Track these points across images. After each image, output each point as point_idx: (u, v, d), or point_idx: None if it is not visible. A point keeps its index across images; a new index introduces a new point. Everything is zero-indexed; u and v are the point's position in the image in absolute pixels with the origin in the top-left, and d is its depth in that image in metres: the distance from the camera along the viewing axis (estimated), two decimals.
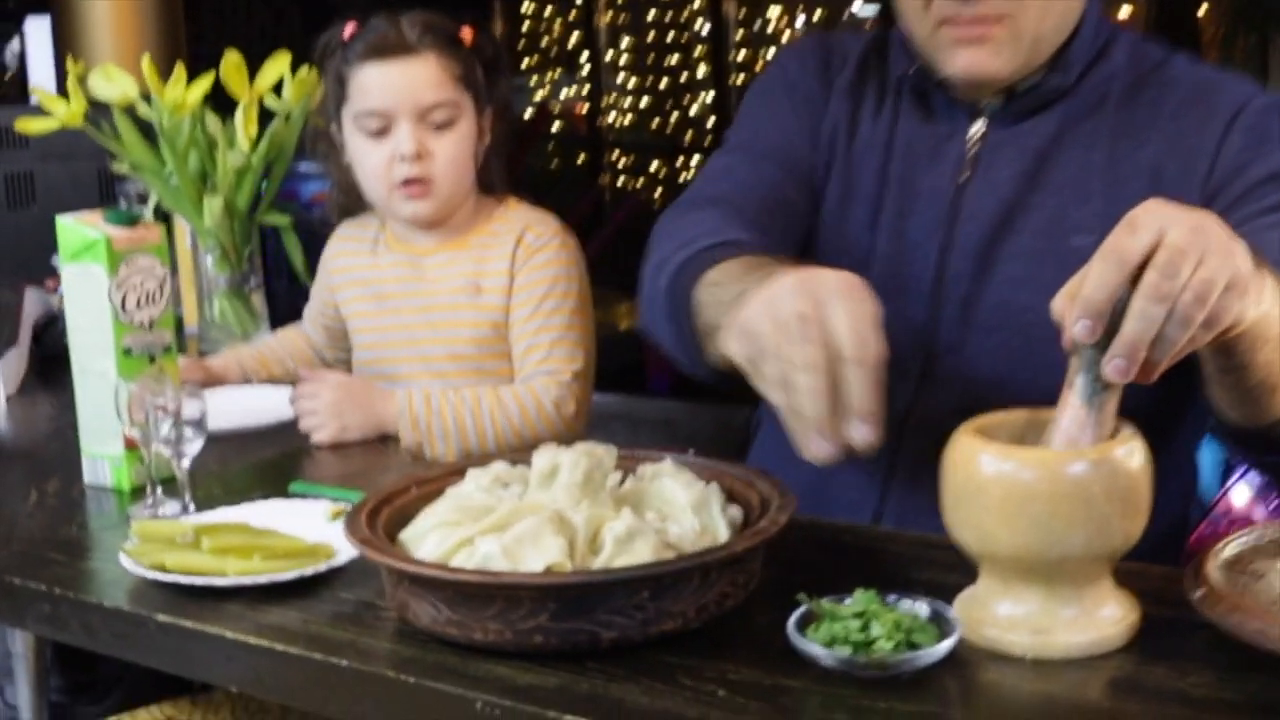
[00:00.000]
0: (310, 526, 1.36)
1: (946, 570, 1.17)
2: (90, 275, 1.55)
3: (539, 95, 8.17)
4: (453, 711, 1.05)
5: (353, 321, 1.99)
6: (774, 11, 7.04)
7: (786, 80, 1.67)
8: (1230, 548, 1.10)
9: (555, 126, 7.99)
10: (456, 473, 1.29)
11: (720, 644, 1.10)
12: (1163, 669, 1.03)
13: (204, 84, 2.18)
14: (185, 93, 2.17)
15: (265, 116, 2.22)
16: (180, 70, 2.19)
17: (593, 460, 1.19)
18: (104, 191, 2.90)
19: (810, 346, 1.07)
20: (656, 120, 7.66)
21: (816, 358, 1.07)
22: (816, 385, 1.07)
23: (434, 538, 1.16)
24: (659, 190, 7.54)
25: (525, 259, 1.88)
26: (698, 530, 1.17)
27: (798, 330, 1.08)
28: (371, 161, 1.88)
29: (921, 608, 1.08)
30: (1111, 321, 1.02)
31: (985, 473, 1.05)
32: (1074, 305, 1.03)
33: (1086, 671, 1.04)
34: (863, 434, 1.08)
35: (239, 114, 2.19)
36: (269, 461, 1.70)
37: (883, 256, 1.57)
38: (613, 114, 7.87)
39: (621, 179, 7.87)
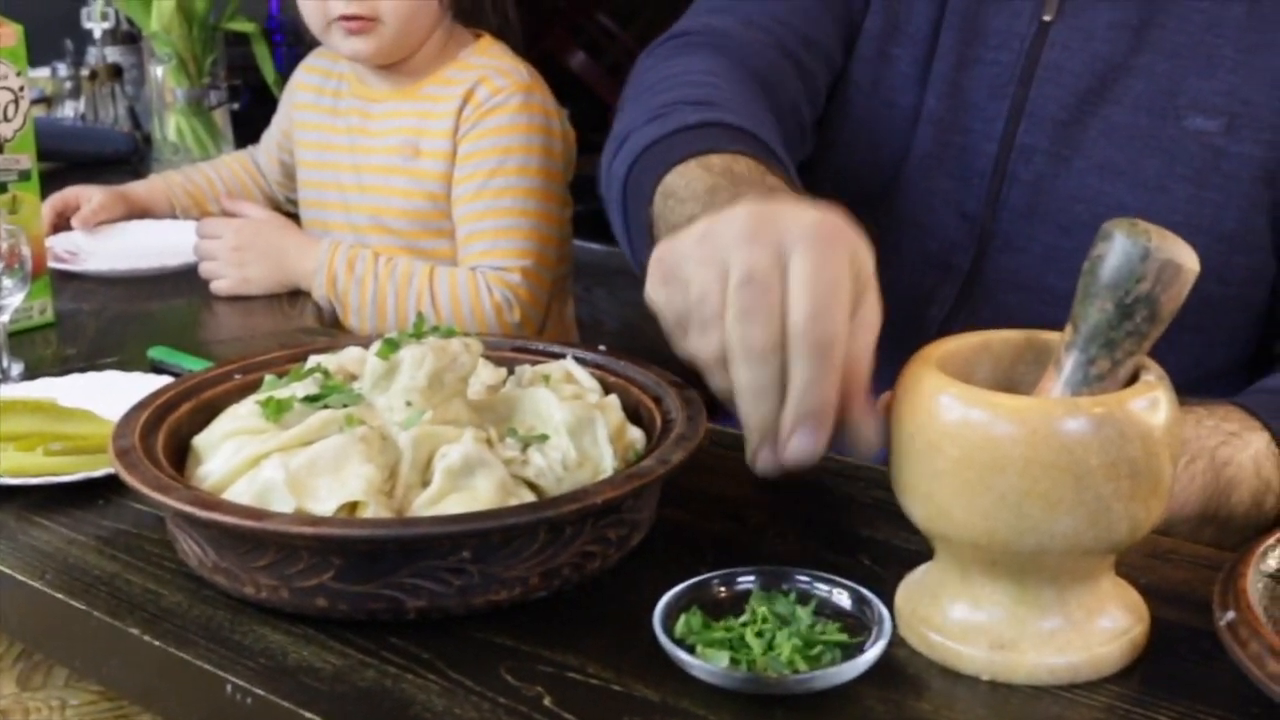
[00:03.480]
0: None
1: (911, 530, 0.86)
2: None
3: None
4: (199, 689, 0.79)
5: (299, 170, 1.69)
6: None
7: None
8: None
9: None
10: (306, 356, 1.01)
11: (572, 625, 0.82)
12: (1169, 711, 0.73)
13: None
14: None
15: None
16: None
17: (444, 358, 0.90)
18: None
19: (755, 326, 0.74)
20: None
21: (762, 342, 0.74)
22: (758, 381, 0.76)
23: (227, 449, 0.89)
24: None
25: (474, 120, 1.51)
26: (573, 461, 0.87)
27: (743, 297, 0.74)
28: None
29: (842, 597, 0.79)
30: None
31: (941, 421, 0.74)
32: None
33: (1061, 707, 0.74)
34: (799, 445, 0.76)
35: None
36: (155, 315, 1.44)
37: (932, 119, 1.23)
38: None
39: None
